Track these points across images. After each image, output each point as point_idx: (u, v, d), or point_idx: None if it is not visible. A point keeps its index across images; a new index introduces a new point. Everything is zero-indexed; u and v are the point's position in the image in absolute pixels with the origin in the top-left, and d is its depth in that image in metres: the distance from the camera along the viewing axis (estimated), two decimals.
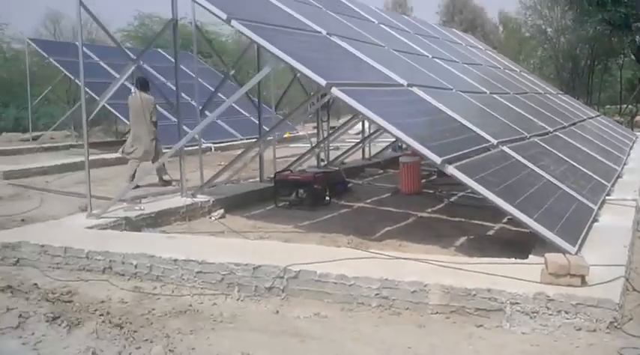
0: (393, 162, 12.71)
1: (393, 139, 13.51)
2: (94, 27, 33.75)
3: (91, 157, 13.58)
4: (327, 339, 3.58)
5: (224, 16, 5.35)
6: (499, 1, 70.73)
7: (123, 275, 4.91)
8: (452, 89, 7.83)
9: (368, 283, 4.09)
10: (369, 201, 8.57)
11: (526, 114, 9.13)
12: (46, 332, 3.69)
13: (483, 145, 5.70)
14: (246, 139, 16.48)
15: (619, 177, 8.22)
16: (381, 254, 4.60)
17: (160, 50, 21.57)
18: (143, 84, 9.83)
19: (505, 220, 7.00)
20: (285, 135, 18.55)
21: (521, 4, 32.28)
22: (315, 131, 11.56)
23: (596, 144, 9.92)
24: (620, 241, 4.84)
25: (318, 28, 6.87)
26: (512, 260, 4.38)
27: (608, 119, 17.21)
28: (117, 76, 17.52)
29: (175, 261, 4.72)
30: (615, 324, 3.54)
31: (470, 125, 6.04)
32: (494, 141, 5.99)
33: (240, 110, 19.49)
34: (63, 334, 3.66)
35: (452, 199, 8.46)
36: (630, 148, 11.94)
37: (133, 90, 10.50)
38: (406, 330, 3.70)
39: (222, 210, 7.54)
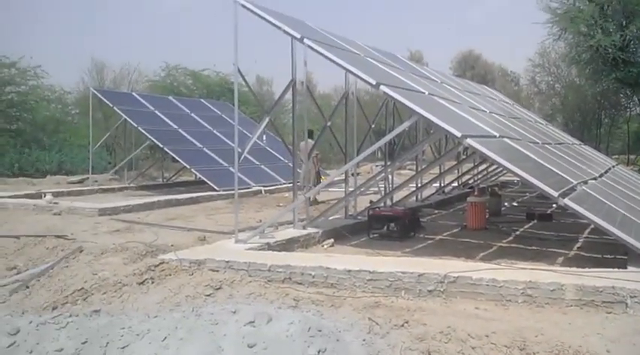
0: (442, 204, 14.27)
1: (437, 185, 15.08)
2: (134, 78, 35.89)
3: (165, 197, 15.31)
4: (504, 319, 4.94)
5: (374, 82, 6.85)
6: (509, 57, 73.49)
7: (301, 283, 6.24)
8: (520, 140, 9.36)
9: (515, 285, 5.46)
10: (445, 234, 9.97)
11: (575, 162, 10.67)
12: (319, 310, 5.06)
13: (569, 186, 7.16)
14: (289, 183, 17.68)
15: None
16: (513, 265, 5.99)
17: (203, 100, 23.22)
18: (310, 133, 13.31)
19: (575, 248, 8.46)
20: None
21: (530, 62, 34.66)
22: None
23: (633, 189, 11.44)
24: None
25: (422, 89, 8.43)
26: (617, 269, 5.79)
27: (623, 168, 18.88)
28: (171, 124, 19.35)
29: (349, 271, 6.08)
30: None
31: (555, 169, 7.52)
32: (575, 182, 7.46)
33: (280, 157, 20.85)
34: (333, 311, 5.04)
35: (517, 233, 9.89)
36: None
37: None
38: (555, 315, 5.06)
39: (332, 240, 8.91)
